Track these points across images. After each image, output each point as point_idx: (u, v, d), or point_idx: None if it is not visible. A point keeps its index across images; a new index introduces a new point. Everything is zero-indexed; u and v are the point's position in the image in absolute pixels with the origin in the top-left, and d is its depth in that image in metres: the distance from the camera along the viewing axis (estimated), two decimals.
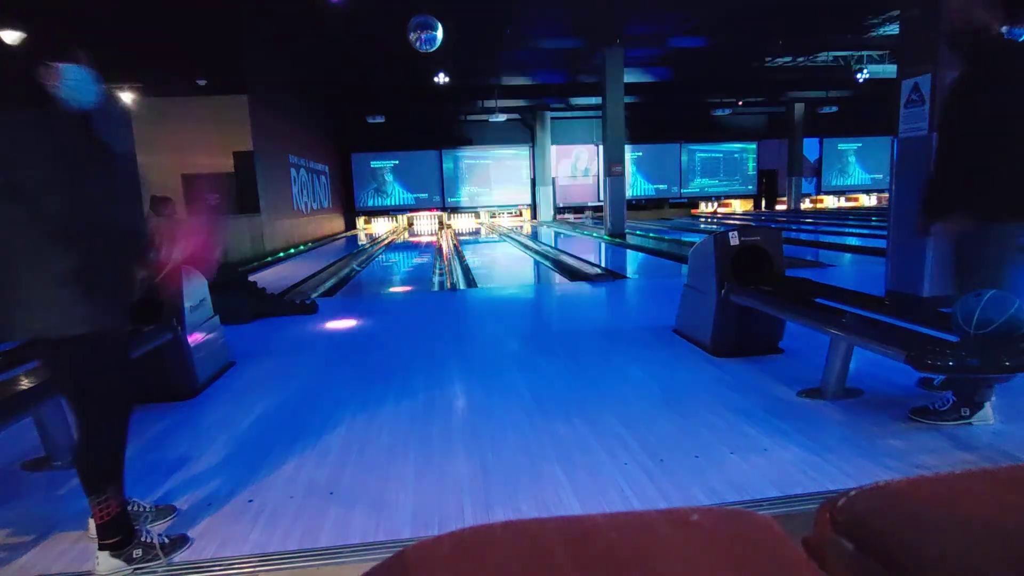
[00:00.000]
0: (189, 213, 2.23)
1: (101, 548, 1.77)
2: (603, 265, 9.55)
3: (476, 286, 7.81)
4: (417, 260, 12.01)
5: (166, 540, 1.87)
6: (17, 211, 1.59)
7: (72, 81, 1.68)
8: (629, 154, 18.46)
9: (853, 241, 11.40)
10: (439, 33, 8.74)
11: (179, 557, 1.86)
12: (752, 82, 18.16)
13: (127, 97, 11.24)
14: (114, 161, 1.79)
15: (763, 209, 25.14)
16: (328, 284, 8.52)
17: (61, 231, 1.61)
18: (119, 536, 1.77)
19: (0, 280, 1.62)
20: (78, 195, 1.64)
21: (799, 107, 22.52)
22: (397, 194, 23.05)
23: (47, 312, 1.63)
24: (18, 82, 1.65)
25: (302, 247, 14.96)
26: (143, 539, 1.82)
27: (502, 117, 20.83)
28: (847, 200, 25.92)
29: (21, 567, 1.85)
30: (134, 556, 1.78)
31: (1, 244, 1.62)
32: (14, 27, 8.25)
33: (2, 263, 1.62)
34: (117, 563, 1.77)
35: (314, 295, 7.07)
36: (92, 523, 1.88)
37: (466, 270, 9.45)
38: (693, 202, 24.90)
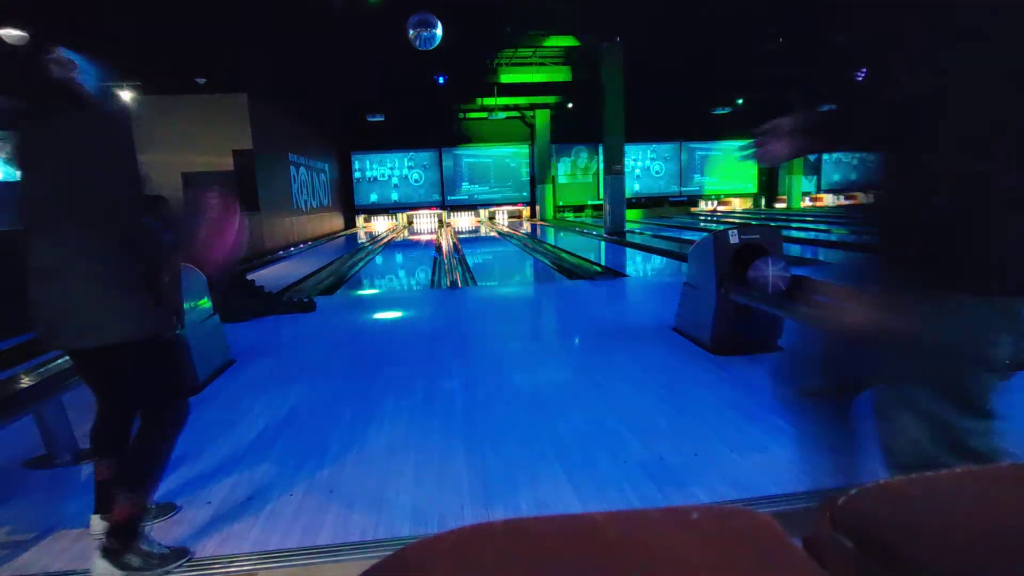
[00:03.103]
0: (219, 210, 2.24)
1: (104, 552, 1.72)
2: (603, 263, 9.55)
3: (475, 284, 7.81)
4: (417, 258, 12.01)
5: (167, 551, 1.82)
6: (85, 215, 1.58)
7: (87, 71, 1.66)
8: (629, 152, 18.42)
9: (853, 239, 11.39)
10: (439, 31, 8.73)
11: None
12: (752, 80, 18.16)
13: (126, 95, 11.23)
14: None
15: (763, 207, 25.14)
16: (328, 282, 8.52)
17: (129, 236, 1.62)
18: (123, 541, 1.73)
19: (64, 286, 1.60)
20: (134, 198, 1.64)
21: (799, 105, 22.52)
22: (397, 192, 23.04)
23: (116, 318, 1.62)
24: (46, 84, 1.63)
25: (302, 245, 14.96)
26: (142, 547, 1.77)
27: (502, 115, 20.81)
28: (847, 198, 25.92)
29: (22, 565, 1.85)
30: (132, 564, 1.73)
31: (67, 251, 1.61)
32: (15, 26, 8.24)
33: (68, 269, 1.61)
34: (112, 569, 1.71)
35: (313, 293, 7.07)
36: (94, 521, 1.90)
37: (466, 268, 9.45)
38: (693, 200, 24.89)
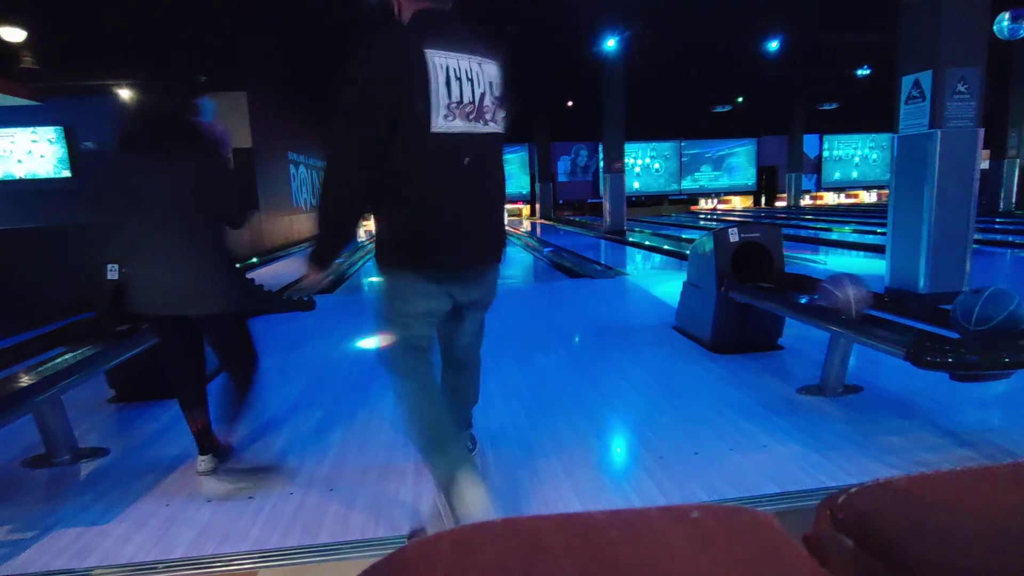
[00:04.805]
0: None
1: (213, 456, 2.38)
2: (602, 262, 9.55)
3: None
4: None
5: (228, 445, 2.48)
6: (202, 210, 2.18)
7: (204, 113, 2.28)
8: (629, 150, 18.39)
9: (853, 238, 11.40)
10: None
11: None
12: (752, 78, 18.14)
13: (125, 94, 11.21)
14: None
15: (763, 206, 25.14)
16: (327, 281, 8.51)
17: (226, 233, 2.27)
18: (228, 452, 2.43)
19: (203, 265, 2.17)
20: (240, 201, 2.36)
21: (799, 103, 22.49)
22: None
23: (232, 289, 2.25)
24: (189, 126, 2.23)
25: (301, 244, 14.95)
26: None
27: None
28: (847, 196, 25.92)
29: (21, 564, 1.85)
30: (225, 456, 2.42)
31: (197, 239, 2.17)
32: (14, 24, 8.23)
33: (204, 253, 2.18)
34: (215, 461, 2.38)
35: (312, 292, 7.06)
36: (203, 461, 2.37)
37: None
38: (693, 198, 24.88)
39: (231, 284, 2.27)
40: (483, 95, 1.80)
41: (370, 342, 4.60)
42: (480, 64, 1.81)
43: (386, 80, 1.70)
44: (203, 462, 2.38)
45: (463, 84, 1.77)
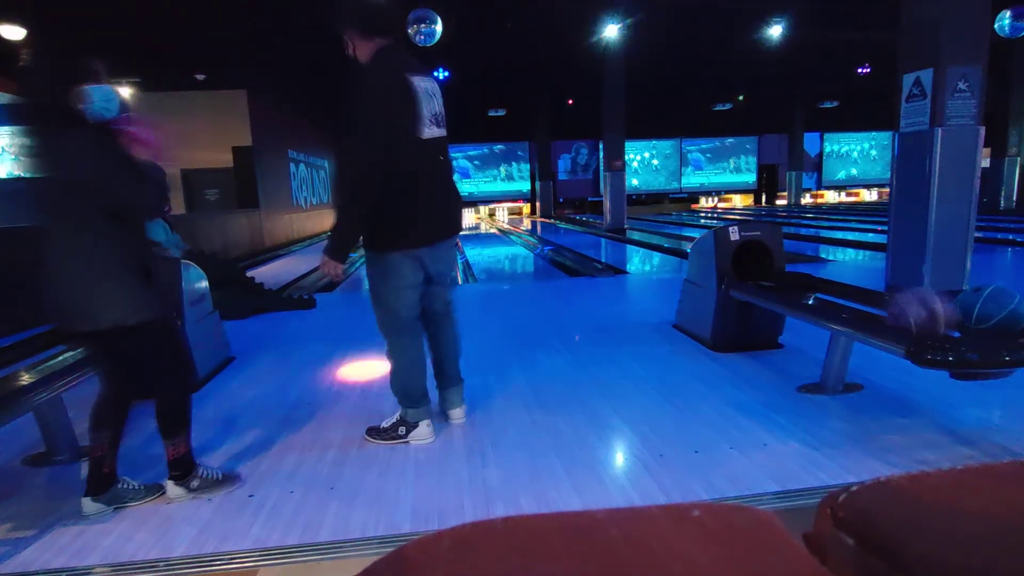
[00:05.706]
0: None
1: (169, 478, 2.17)
2: (603, 260, 9.54)
3: (475, 281, 7.80)
4: None
5: (220, 476, 2.26)
6: (82, 208, 1.91)
7: (98, 102, 1.93)
8: (629, 149, 18.37)
9: (853, 236, 11.39)
10: (438, 27, 8.70)
11: (224, 490, 2.22)
12: (753, 76, 18.10)
13: (125, 92, 11.20)
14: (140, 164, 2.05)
15: (763, 204, 25.13)
16: (327, 279, 8.50)
17: (120, 227, 1.96)
18: (183, 470, 2.18)
19: (81, 276, 1.92)
20: (126, 194, 1.95)
21: (800, 101, 22.45)
22: None
23: (123, 302, 1.95)
24: (58, 110, 1.92)
25: (302, 242, 14.95)
26: (200, 474, 2.22)
27: (501, 111, 20.76)
28: (848, 195, 25.91)
29: (22, 562, 1.86)
30: (192, 486, 2.19)
31: (74, 244, 1.92)
32: (15, 23, 8.22)
33: (82, 261, 1.92)
34: (180, 491, 2.17)
35: (313, 291, 7.06)
36: (85, 504, 2.11)
37: (465, 265, 9.44)
38: (693, 197, 24.87)
39: (132, 294, 1.96)
40: (440, 106, 2.40)
41: (369, 343, 4.60)
42: (431, 82, 2.37)
43: (391, 101, 2.20)
44: (87, 504, 2.10)
45: (431, 99, 2.33)
